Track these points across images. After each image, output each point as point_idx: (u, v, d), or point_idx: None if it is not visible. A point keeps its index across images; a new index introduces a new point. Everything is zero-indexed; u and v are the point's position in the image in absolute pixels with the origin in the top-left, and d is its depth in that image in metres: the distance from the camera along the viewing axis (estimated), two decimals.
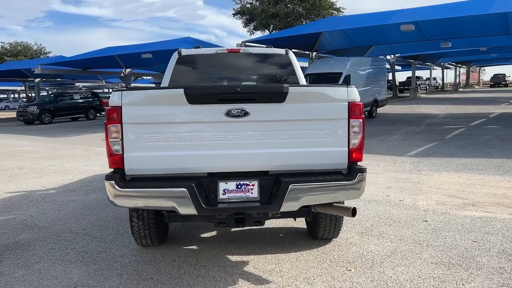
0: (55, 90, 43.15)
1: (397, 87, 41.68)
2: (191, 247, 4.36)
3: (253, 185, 3.34)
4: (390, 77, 36.42)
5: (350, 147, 3.36)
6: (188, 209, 3.20)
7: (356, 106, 3.34)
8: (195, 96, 3.22)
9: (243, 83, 5.43)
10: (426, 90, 48.28)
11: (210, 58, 5.59)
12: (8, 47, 46.16)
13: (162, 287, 3.48)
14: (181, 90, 3.19)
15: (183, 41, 22.03)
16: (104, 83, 43.65)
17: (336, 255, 4.06)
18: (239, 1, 28.67)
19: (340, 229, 4.27)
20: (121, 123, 3.22)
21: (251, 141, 3.30)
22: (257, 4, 27.59)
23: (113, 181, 3.20)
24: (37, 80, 32.81)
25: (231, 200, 3.34)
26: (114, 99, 3.23)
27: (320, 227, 4.21)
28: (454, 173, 7.73)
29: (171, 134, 3.28)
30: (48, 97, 28.46)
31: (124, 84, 29.91)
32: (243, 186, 3.33)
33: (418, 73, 43.40)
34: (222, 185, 3.34)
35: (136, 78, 31.70)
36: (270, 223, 5.00)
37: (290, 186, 3.20)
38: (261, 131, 3.30)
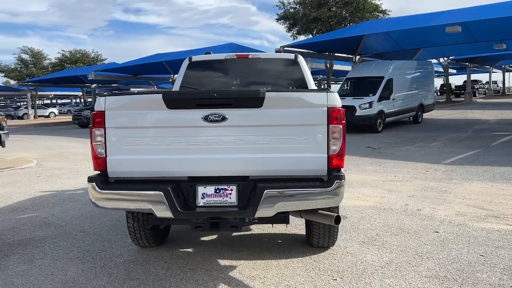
0: None
1: (452, 91, 39.81)
2: (187, 249, 4.42)
3: (231, 190, 3.34)
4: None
5: (330, 153, 3.27)
6: (165, 212, 3.26)
7: (336, 112, 3.26)
8: (173, 101, 3.28)
9: (250, 88, 5.46)
10: (485, 94, 45.81)
11: (219, 64, 5.67)
12: (68, 54, 49.13)
13: (145, 287, 3.56)
14: (160, 96, 3.27)
15: (225, 47, 22.41)
16: (155, 88, 45.27)
17: (327, 263, 3.96)
18: (282, 6, 28.70)
19: (335, 237, 4.16)
20: (104, 127, 3.35)
21: (229, 146, 3.31)
22: (300, 8, 27.45)
23: (94, 183, 3.33)
24: (93, 85, 34.63)
25: (209, 205, 3.36)
26: (99, 104, 3.36)
27: (314, 234, 4.13)
28: (488, 182, 7.29)
29: (151, 138, 3.36)
30: None
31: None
32: (221, 191, 3.34)
33: (477, 76, 41.26)
34: (200, 189, 3.37)
35: None
36: (271, 229, 4.97)
37: (265, 192, 3.17)
38: (239, 136, 3.30)
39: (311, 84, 5.44)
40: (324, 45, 19.37)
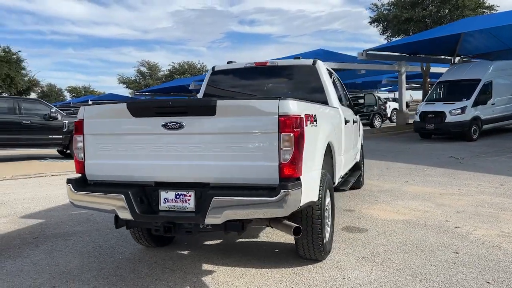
0: None
1: None
2: (184, 251, 4.56)
3: (190, 195, 3.41)
4: None
5: (281, 162, 3.16)
6: (126, 214, 3.45)
7: (289, 120, 3.15)
8: (136, 110, 3.47)
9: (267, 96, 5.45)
10: None
11: (240, 72, 5.76)
12: (177, 66, 53.11)
13: (121, 284, 3.78)
14: (125, 105, 3.49)
15: (313, 53, 22.29)
16: None
17: (305, 276, 3.79)
18: (376, 8, 27.45)
19: (321, 250, 3.95)
20: (83, 134, 3.68)
21: (187, 152, 3.39)
22: (393, 10, 25.93)
23: (70, 185, 3.66)
24: (198, 94, 36.84)
25: (170, 209, 3.47)
26: (79, 113, 3.71)
27: (298, 245, 4.00)
28: None
29: (121, 145, 3.59)
30: None
31: None
32: (181, 196, 3.43)
33: None
34: (163, 194, 3.49)
35: None
36: (274, 237, 4.89)
37: (213, 200, 3.18)
38: (195, 143, 3.36)
39: (329, 91, 5.24)
40: (415, 47, 18.13)
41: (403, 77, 22.06)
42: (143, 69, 54.79)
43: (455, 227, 5.22)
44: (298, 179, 3.24)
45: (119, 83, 53.51)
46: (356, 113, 6.99)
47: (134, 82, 53.22)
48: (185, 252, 4.54)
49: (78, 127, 3.68)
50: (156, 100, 3.59)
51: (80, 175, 3.77)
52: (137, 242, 4.62)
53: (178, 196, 3.43)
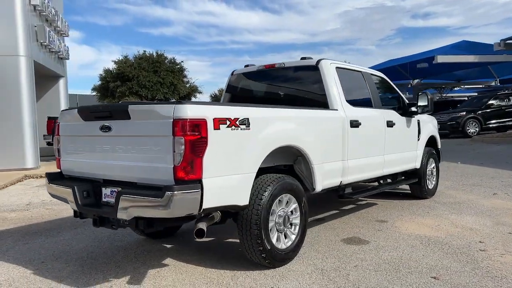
0: None
1: None
2: (169, 245, 4.81)
3: (116, 193, 3.70)
4: None
5: (175, 164, 3.20)
6: (73, 205, 3.93)
7: (182, 124, 3.17)
8: (83, 115, 3.93)
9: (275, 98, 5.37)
10: None
11: (253, 75, 5.79)
12: None
13: (97, 267, 4.16)
14: (76, 110, 3.99)
15: (453, 47, 20.02)
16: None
17: (237, 281, 3.67)
18: None
19: (262, 256, 3.77)
20: (59, 135, 4.30)
21: (115, 153, 3.69)
22: None
23: (47, 178, 4.31)
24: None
25: (108, 204, 3.81)
26: (59, 117, 4.35)
27: (242, 248, 3.95)
28: None
29: (78, 145, 4.10)
30: None
31: None
32: (113, 193, 3.73)
33: None
34: (103, 190, 3.84)
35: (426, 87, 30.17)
36: None
37: (121, 197, 3.41)
38: (120, 144, 3.64)
39: (331, 92, 4.87)
40: None
41: None
42: None
43: (481, 251, 4.35)
44: (197, 181, 3.24)
45: None
46: (407, 114, 6.28)
47: None
48: (169, 246, 4.81)
49: (56, 129, 4.32)
50: (93, 106, 3.99)
51: (59, 170, 4.41)
52: (136, 232, 5.08)
53: (112, 193, 3.76)
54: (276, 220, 3.97)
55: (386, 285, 3.55)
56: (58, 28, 16.82)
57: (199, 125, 3.23)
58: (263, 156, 3.79)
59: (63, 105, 18.16)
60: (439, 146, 7.52)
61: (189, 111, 3.22)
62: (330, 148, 4.66)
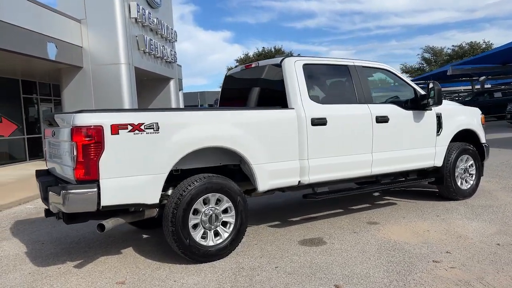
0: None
1: None
2: (151, 237, 5.32)
3: None
4: None
5: (73, 166, 3.63)
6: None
7: (77, 130, 3.57)
8: (47, 121, 4.61)
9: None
10: None
11: (238, 75, 5.91)
12: (454, 49, 47.22)
13: (68, 254, 4.92)
14: (45, 117, 4.70)
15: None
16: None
17: (178, 277, 3.99)
18: None
19: (183, 252, 4.00)
20: (44, 139, 5.08)
21: (57, 155, 4.29)
22: None
23: (35, 174, 5.11)
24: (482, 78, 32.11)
25: None
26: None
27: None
28: None
29: (49, 147, 4.80)
30: None
31: None
32: None
33: None
34: None
35: None
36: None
37: (49, 193, 3.95)
38: (57, 147, 4.23)
39: (290, 91, 4.75)
40: None
41: None
42: (427, 55, 51.87)
43: (433, 261, 3.88)
44: (94, 182, 3.62)
45: (402, 72, 52.18)
46: (420, 107, 5.68)
47: (417, 70, 51.02)
48: (145, 236, 5.32)
49: (44, 133, 5.12)
50: (47, 114, 4.60)
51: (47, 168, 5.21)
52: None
53: None
54: (202, 218, 4.13)
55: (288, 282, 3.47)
56: (164, 36, 18.66)
57: (94, 131, 3.60)
58: (177, 158, 3.98)
59: (173, 104, 20.11)
60: (483, 141, 6.56)
61: (86, 118, 3.62)
62: (279, 148, 4.57)
